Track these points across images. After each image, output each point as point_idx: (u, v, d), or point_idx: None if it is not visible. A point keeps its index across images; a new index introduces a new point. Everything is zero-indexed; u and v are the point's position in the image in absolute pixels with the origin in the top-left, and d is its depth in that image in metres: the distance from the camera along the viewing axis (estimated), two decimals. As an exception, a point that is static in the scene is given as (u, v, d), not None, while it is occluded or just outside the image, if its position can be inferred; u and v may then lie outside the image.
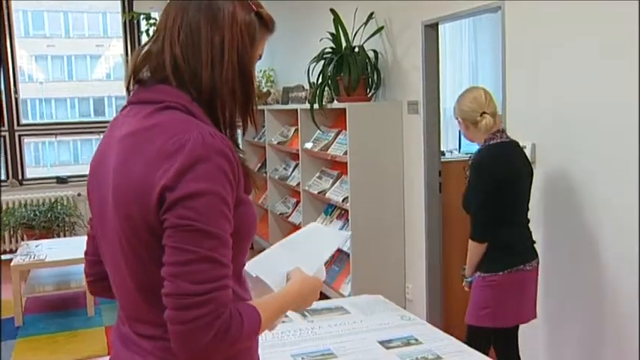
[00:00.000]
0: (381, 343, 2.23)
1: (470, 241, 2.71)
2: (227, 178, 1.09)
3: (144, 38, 6.58)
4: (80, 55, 20.38)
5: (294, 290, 1.27)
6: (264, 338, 2.25)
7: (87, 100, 20.30)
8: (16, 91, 6.77)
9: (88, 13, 19.86)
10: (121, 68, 7.87)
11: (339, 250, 4.63)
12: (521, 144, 3.11)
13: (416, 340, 2.25)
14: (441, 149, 4.28)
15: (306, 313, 2.52)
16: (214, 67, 1.16)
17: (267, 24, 1.25)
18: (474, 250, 2.70)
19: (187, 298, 1.05)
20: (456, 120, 2.84)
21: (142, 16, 6.42)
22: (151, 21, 6.32)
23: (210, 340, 1.06)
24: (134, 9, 6.67)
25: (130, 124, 1.16)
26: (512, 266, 2.67)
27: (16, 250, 5.28)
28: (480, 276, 2.71)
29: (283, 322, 2.43)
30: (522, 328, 2.88)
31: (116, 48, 15.88)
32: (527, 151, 3.07)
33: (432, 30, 4.00)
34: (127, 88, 1.23)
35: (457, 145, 7.30)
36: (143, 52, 1.20)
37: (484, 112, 2.71)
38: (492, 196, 2.62)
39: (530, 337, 3.08)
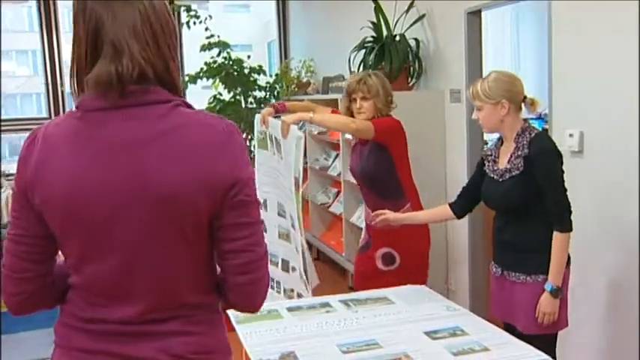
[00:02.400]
0: (427, 333, 2.21)
1: (560, 235, 2.38)
2: None
3: (184, 30, 6.63)
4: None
5: None
6: (308, 328, 2.26)
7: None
8: (62, 84, 6.94)
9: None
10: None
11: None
12: (568, 132, 3.06)
13: (462, 331, 2.23)
14: (484, 138, 4.22)
15: (350, 303, 2.52)
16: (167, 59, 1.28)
17: None
18: (566, 244, 2.40)
19: (262, 259, 1.33)
20: (488, 104, 2.46)
21: (182, 8, 6.47)
22: (192, 13, 6.37)
23: (267, 286, 1.36)
24: (175, 1, 6.72)
25: (145, 127, 1.22)
26: (569, 261, 2.45)
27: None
28: (543, 278, 2.40)
29: (327, 311, 2.44)
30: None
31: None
32: (575, 139, 3.02)
33: (474, 17, 3.93)
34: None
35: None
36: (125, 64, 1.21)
37: (526, 96, 2.52)
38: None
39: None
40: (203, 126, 1.25)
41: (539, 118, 6.62)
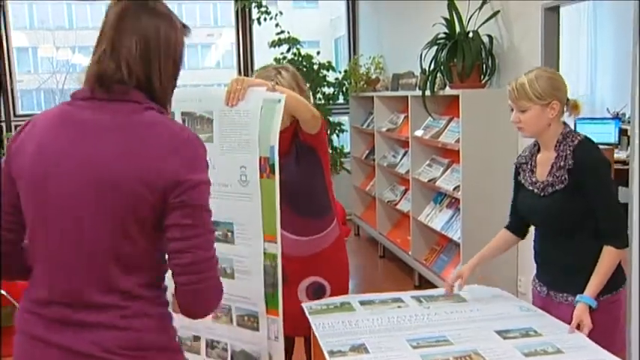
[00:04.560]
0: (498, 332, 2.18)
1: (614, 250, 2.17)
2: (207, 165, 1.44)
3: (255, 26, 6.74)
4: (191, 45, 21.14)
5: None
6: (379, 322, 2.27)
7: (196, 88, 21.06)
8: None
9: (200, 2, 20.58)
10: (230, 57, 8.10)
11: (449, 240, 4.57)
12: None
13: (535, 332, 2.18)
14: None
15: (422, 299, 2.52)
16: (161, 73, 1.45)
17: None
18: (617, 260, 2.20)
19: (205, 262, 1.37)
20: (537, 104, 2.18)
21: (253, 5, 6.57)
22: (262, 9, 6.47)
23: (218, 293, 1.43)
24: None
25: (112, 119, 1.38)
26: (625, 280, 2.27)
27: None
28: (601, 299, 2.19)
29: (399, 307, 2.44)
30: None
31: (226, 37, 16.35)
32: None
33: (552, 13, 3.84)
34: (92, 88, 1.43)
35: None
36: (105, 64, 1.39)
37: (568, 98, 2.27)
38: None
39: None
40: (164, 128, 1.39)
41: (616, 117, 6.42)
